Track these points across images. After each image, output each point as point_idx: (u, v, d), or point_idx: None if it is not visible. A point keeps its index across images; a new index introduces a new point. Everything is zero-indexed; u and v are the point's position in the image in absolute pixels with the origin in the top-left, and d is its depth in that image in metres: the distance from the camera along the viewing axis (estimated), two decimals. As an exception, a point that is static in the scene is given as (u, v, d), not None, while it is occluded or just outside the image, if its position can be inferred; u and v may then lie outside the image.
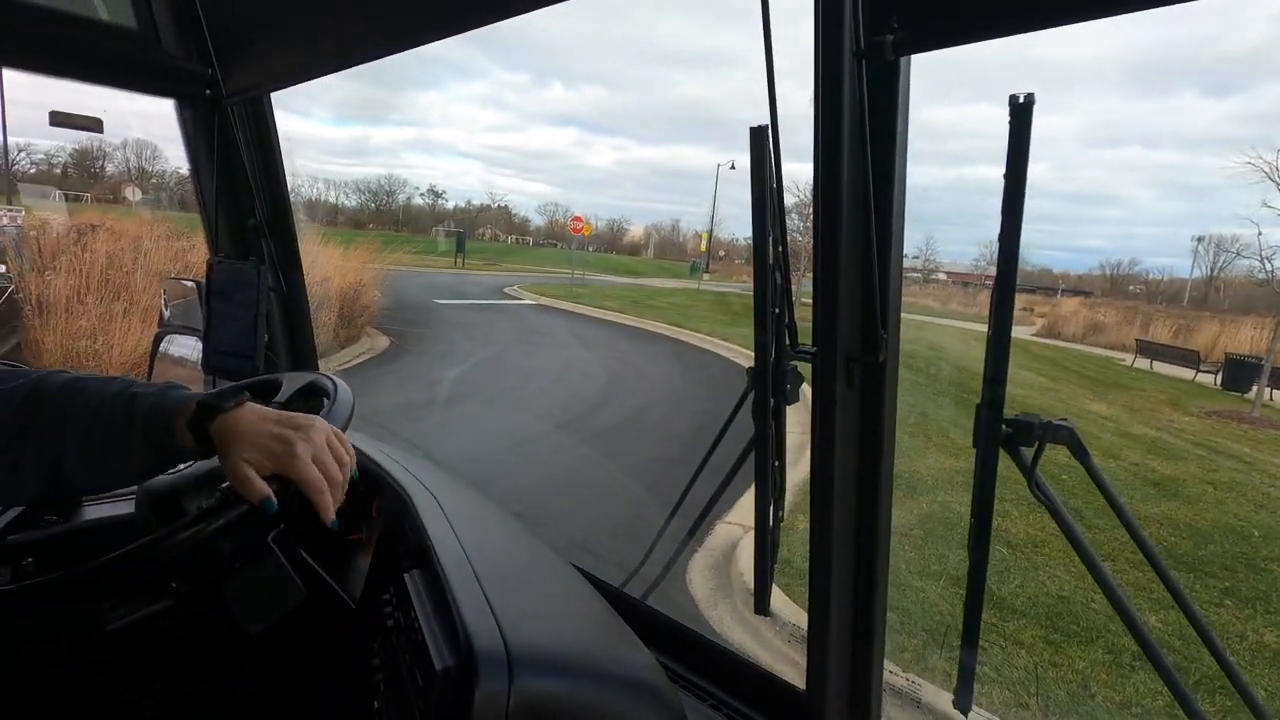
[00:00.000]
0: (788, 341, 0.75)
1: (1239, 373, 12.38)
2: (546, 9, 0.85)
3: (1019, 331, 20.23)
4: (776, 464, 0.83)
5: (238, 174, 1.42)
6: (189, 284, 1.65)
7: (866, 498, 0.69)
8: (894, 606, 3.85)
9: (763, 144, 0.74)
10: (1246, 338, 15.97)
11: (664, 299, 19.21)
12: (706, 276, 30.99)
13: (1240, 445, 8.40)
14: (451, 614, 0.66)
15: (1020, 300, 30.45)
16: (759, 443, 0.82)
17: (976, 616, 0.73)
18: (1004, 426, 0.63)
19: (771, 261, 0.77)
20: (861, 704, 0.75)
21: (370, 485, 1.09)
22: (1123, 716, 3.11)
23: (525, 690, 0.59)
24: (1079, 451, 0.63)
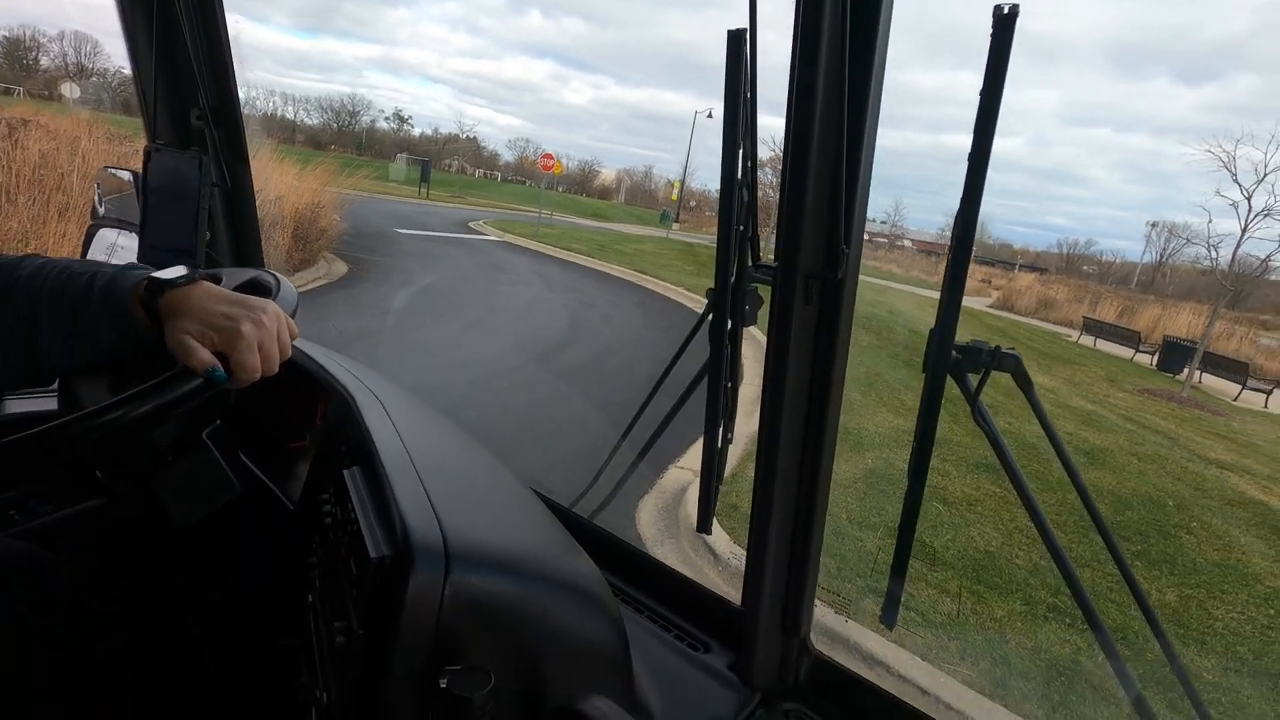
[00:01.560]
0: (750, 260, 0.74)
1: (1174, 355, 12.99)
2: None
3: (975, 302, 20.81)
4: (729, 385, 0.83)
5: (179, 56, 1.31)
6: (125, 175, 1.54)
7: (815, 415, 0.70)
8: (831, 553, 4.02)
9: (739, 49, 0.71)
10: (1184, 323, 16.70)
11: (632, 245, 19.01)
12: (676, 226, 30.72)
13: (1167, 422, 8.87)
14: (390, 507, 0.65)
15: (979, 272, 31.36)
16: (713, 362, 0.82)
17: (908, 542, 0.75)
18: (955, 352, 0.64)
19: (740, 176, 0.75)
20: (793, 617, 0.77)
21: (315, 391, 1.06)
22: (1032, 660, 3.34)
23: (461, 583, 0.59)
24: (1022, 380, 0.65)
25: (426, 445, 0.81)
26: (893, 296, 17.01)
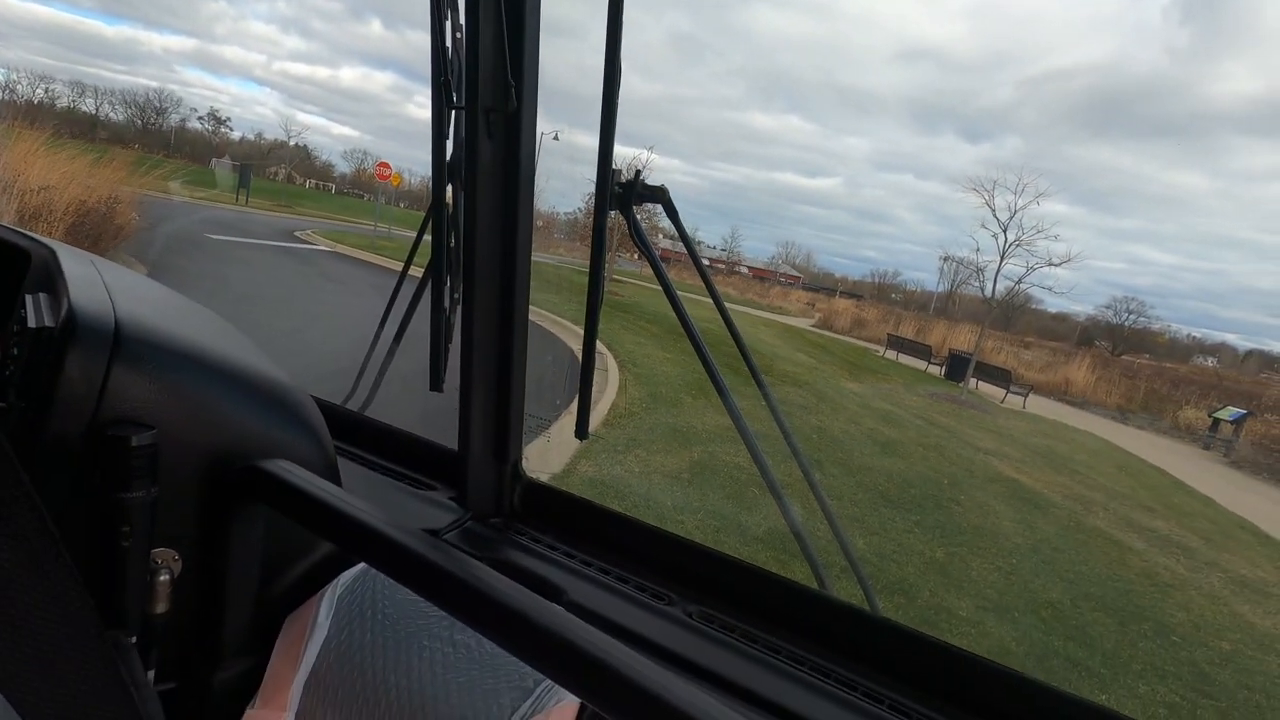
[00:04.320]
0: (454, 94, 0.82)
1: (957, 365, 15.02)
2: None
3: (800, 322, 22.81)
4: (452, 245, 0.90)
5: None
6: None
7: (508, 252, 0.79)
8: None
9: None
10: (966, 340, 19.38)
11: (476, 261, 18.60)
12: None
13: (948, 420, 10.24)
14: (60, 294, 0.64)
15: (805, 296, 34.72)
16: (435, 227, 0.89)
17: (591, 359, 0.85)
18: (617, 188, 0.76)
19: (450, 53, 0.83)
20: (502, 446, 0.86)
21: (18, 274, 0.98)
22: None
23: (132, 358, 0.59)
24: (669, 209, 0.79)
25: (133, 287, 0.79)
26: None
